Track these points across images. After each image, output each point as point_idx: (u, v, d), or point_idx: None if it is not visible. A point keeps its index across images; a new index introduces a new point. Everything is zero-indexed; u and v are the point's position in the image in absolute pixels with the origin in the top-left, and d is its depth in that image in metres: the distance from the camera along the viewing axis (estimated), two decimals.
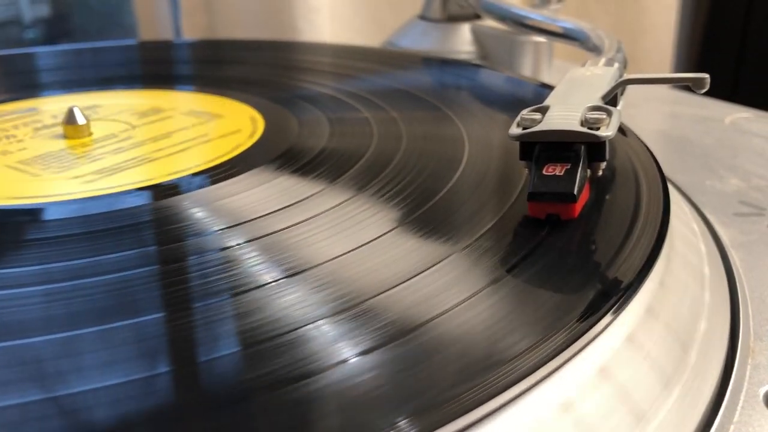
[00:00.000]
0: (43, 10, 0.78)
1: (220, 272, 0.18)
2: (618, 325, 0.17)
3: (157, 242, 0.20)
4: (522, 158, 0.22)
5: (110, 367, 0.15)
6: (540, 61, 0.46)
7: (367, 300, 0.17)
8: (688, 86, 0.22)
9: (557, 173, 0.20)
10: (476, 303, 0.17)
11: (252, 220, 0.21)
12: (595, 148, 0.21)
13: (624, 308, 0.17)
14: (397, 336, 0.15)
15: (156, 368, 0.15)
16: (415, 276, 0.18)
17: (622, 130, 0.28)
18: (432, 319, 0.16)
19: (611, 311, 0.17)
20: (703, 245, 0.24)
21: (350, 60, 0.43)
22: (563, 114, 0.22)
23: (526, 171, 0.22)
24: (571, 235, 0.20)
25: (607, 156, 0.21)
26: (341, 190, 0.23)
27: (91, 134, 0.30)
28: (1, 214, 0.23)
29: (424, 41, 0.51)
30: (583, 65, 0.28)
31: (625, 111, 0.26)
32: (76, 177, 0.26)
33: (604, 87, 0.24)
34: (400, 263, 0.19)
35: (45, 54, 0.47)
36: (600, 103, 0.23)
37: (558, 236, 0.20)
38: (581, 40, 0.37)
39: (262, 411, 0.14)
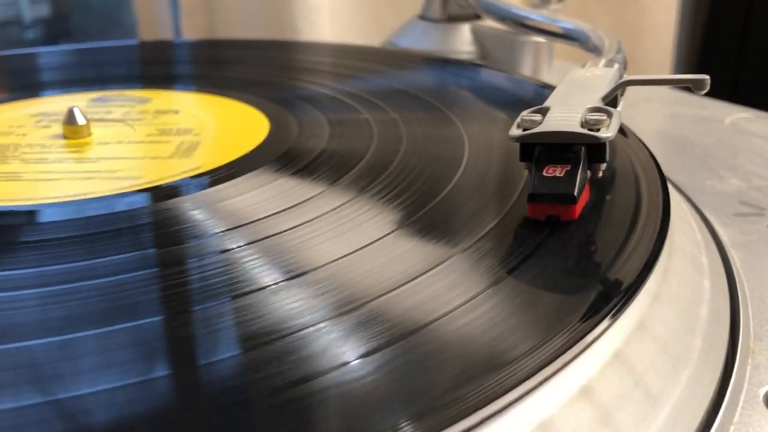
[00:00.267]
0: (43, 10, 0.78)
1: (220, 275, 0.18)
2: (617, 328, 0.17)
3: (156, 244, 0.20)
4: (522, 159, 0.22)
5: (108, 371, 0.15)
6: (540, 62, 0.46)
7: (368, 302, 0.17)
8: (688, 87, 0.22)
9: (557, 174, 0.20)
10: (477, 305, 0.17)
11: (252, 222, 0.21)
12: (595, 149, 0.21)
13: (625, 309, 0.17)
14: (398, 338, 0.15)
15: (156, 371, 0.15)
16: (415, 278, 0.18)
17: (622, 130, 0.28)
18: (433, 321, 0.16)
19: (612, 312, 0.17)
20: (703, 245, 0.24)
21: (350, 60, 0.42)
22: (563, 115, 0.22)
23: (526, 172, 0.22)
24: (572, 236, 0.20)
25: (608, 157, 0.21)
26: (341, 192, 0.23)
27: (90, 134, 0.30)
28: None
29: (424, 41, 0.51)
30: (583, 66, 0.28)
31: (625, 111, 0.26)
32: (76, 178, 0.26)
33: (604, 88, 0.24)
34: (401, 265, 0.19)
35: (45, 54, 0.47)
36: (600, 105, 0.23)
37: (558, 238, 0.20)
38: (581, 40, 0.37)
39: (263, 414, 0.14)
